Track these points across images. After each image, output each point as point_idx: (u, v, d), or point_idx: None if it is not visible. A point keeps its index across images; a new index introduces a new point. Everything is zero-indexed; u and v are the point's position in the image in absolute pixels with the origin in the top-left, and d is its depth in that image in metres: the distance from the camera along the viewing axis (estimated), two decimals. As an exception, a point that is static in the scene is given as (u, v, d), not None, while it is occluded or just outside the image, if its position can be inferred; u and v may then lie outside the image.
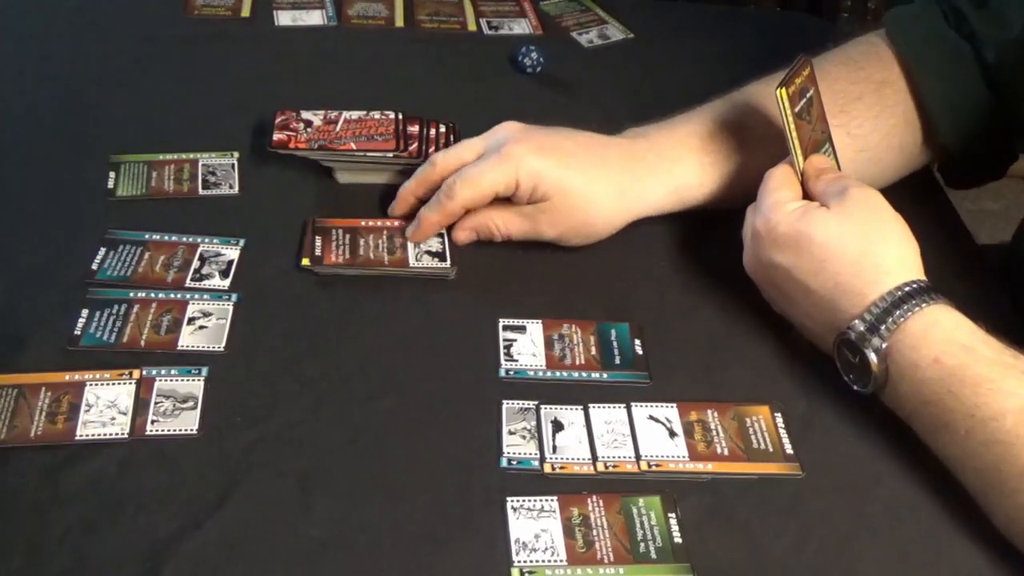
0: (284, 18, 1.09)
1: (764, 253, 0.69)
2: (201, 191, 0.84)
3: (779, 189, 0.70)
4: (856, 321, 0.64)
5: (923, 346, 0.62)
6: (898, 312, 0.63)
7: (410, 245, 0.79)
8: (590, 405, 0.67)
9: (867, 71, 0.82)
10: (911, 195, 0.87)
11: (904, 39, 0.83)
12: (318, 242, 0.79)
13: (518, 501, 0.61)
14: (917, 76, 0.82)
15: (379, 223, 0.81)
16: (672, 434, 0.66)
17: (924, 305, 0.63)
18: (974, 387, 0.60)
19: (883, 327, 0.63)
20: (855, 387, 0.66)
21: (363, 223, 0.81)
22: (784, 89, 0.69)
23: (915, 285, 0.64)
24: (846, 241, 0.66)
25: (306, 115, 0.86)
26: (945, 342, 0.62)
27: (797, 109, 0.70)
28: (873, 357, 0.63)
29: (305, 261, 0.77)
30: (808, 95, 0.72)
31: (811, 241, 0.66)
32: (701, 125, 0.79)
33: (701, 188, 0.79)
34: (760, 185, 0.71)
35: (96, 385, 0.66)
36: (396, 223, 0.81)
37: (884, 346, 0.63)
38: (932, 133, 0.83)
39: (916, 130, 0.84)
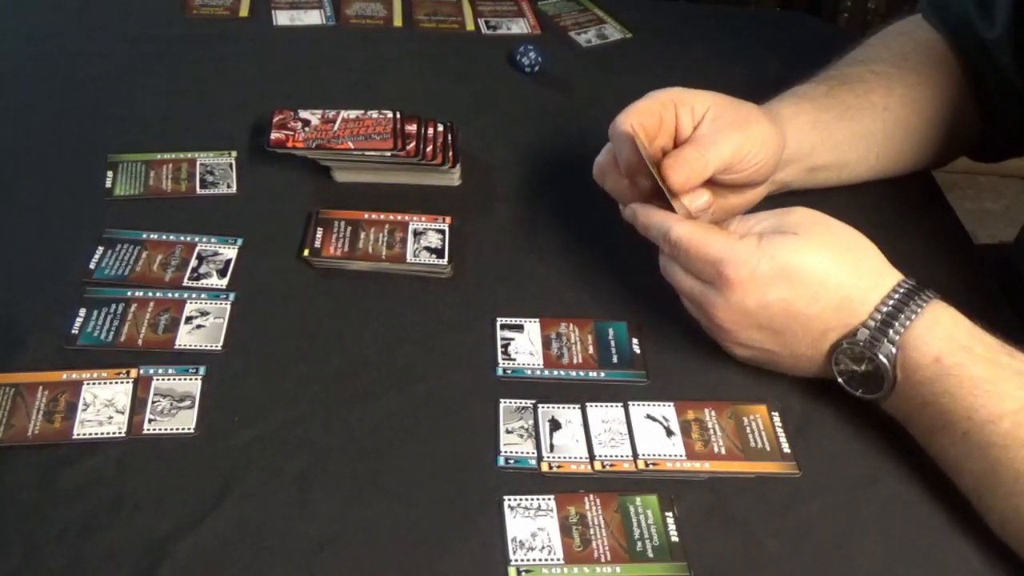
0: (282, 18, 1.09)
1: (752, 298, 0.64)
2: (199, 190, 0.84)
3: (708, 233, 0.66)
4: (861, 329, 0.63)
5: (924, 345, 0.61)
6: (903, 315, 0.62)
7: (409, 241, 0.79)
8: (587, 404, 0.67)
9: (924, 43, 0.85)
10: (910, 195, 0.88)
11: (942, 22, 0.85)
12: (319, 234, 0.79)
13: (515, 500, 0.61)
14: (965, 56, 0.84)
15: (382, 216, 0.81)
16: (669, 433, 0.66)
17: (924, 303, 0.62)
18: (972, 388, 0.60)
19: (891, 330, 0.62)
20: (865, 397, 0.65)
21: (366, 215, 0.81)
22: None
23: (908, 284, 0.63)
24: (833, 256, 0.64)
25: (304, 114, 0.86)
26: (945, 340, 0.61)
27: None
28: (886, 362, 0.62)
29: (305, 252, 0.77)
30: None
31: (803, 269, 0.63)
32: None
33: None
34: (680, 249, 0.66)
35: (93, 384, 0.66)
36: (398, 217, 0.81)
37: (895, 351, 0.62)
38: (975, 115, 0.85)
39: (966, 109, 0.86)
